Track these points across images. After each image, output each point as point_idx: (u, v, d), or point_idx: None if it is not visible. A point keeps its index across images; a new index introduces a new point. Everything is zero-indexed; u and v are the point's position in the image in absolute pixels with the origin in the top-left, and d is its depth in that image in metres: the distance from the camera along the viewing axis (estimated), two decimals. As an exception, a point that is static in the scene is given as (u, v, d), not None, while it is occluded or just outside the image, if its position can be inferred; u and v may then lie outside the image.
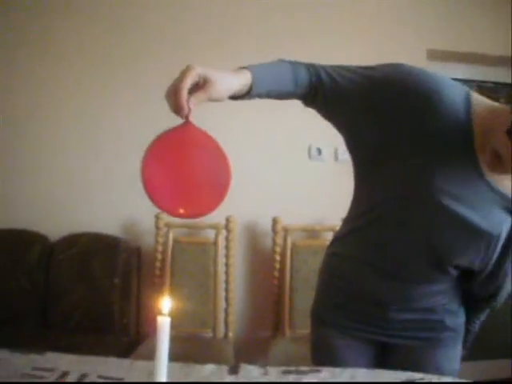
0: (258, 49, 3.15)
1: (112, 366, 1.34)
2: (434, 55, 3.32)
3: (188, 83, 1.06)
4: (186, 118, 1.08)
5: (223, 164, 1.11)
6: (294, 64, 1.32)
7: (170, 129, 1.10)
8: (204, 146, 1.11)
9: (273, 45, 3.15)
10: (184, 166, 1.09)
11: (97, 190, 3.22)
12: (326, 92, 1.32)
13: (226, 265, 3.09)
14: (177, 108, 1.07)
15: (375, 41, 3.22)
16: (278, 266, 3.10)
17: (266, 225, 3.14)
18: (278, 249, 3.09)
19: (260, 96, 1.25)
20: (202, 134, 1.11)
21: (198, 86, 1.09)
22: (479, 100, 1.27)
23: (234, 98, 1.20)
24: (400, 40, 3.22)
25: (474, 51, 3.33)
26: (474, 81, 3.51)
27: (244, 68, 1.20)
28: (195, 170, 1.10)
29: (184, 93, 1.05)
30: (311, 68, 1.32)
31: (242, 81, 1.18)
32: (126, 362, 1.42)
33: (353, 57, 2.82)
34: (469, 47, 3.27)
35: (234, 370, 1.35)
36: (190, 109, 1.07)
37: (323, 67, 1.33)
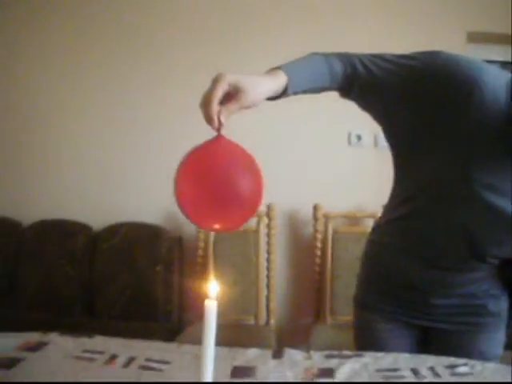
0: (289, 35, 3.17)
1: (159, 349, 1.37)
2: (475, 37, 3.25)
3: (218, 94, 1.02)
4: (218, 131, 1.04)
5: (256, 177, 1.07)
6: (328, 57, 1.28)
7: (201, 143, 1.06)
8: (236, 160, 1.07)
9: (306, 31, 3.17)
10: (216, 181, 1.05)
11: (138, 181, 3.27)
12: (363, 83, 1.29)
13: (268, 252, 3.11)
14: (208, 120, 1.04)
15: (414, 24, 3.17)
16: (319, 252, 3.10)
17: (307, 212, 3.14)
18: (319, 236, 3.10)
19: (295, 94, 1.21)
20: (234, 148, 1.07)
21: (230, 95, 1.06)
22: None
23: (268, 99, 1.16)
24: (439, 23, 3.15)
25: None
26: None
27: (277, 68, 1.16)
28: (227, 184, 1.05)
29: (214, 105, 1.02)
30: (345, 59, 1.29)
31: (277, 83, 1.14)
32: (172, 345, 1.45)
33: (392, 41, 2.82)
34: (510, 28, 3.19)
35: (277, 354, 1.37)
36: (221, 122, 1.03)
37: (358, 57, 1.29)
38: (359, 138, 3.20)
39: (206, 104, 1.03)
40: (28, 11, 3.32)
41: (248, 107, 1.09)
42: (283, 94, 1.17)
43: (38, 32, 3.33)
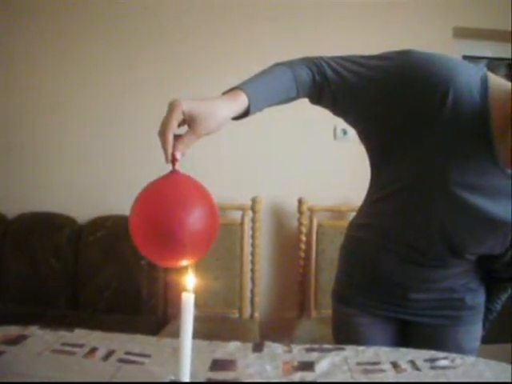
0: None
1: (139, 343, 1.37)
2: (461, 33, 3.26)
3: (173, 126, 1.00)
4: (173, 163, 1.01)
5: (208, 213, 1.02)
6: (293, 66, 1.25)
7: (155, 180, 1.02)
8: (188, 195, 1.01)
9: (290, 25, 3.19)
10: (171, 218, 0.97)
11: (124, 174, 3.26)
12: (334, 89, 1.27)
13: (252, 245, 3.11)
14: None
15: (400, 20, 3.17)
16: (303, 246, 3.11)
17: (292, 205, 3.15)
18: (303, 229, 3.10)
19: (260, 111, 1.18)
20: (188, 182, 1.03)
21: (186, 122, 1.04)
22: (497, 83, 1.21)
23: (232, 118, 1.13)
24: (425, 18, 3.16)
25: (503, 28, 3.25)
26: (503, 59, 3.44)
27: (238, 88, 1.13)
28: (183, 220, 0.97)
29: (168, 138, 1.00)
30: (313, 66, 1.26)
31: (236, 108, 1.10)
32: (152, 339, 1.44)
33: (377, 37, 2.82)
34: (497, 24, 3.20)
35: (258, 348, 1.37)
36: (175, 158, 1.01)
37: (327, 62, 1.27)
38: (345, 132, 3.20)
39: (161, 135, 1.00)
40: (26, 12, 3.30)
41: (206, 135, 1.05)
42: (246, 113, 1.14)
43: (37, 33, 3.30)
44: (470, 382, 1.16)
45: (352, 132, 3.13)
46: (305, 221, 3.10)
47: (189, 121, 1.03)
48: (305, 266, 3.12)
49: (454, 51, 3.13)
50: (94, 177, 3.30)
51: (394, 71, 1.23)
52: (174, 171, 1.02)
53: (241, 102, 1.11)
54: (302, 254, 3.11)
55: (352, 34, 3.09)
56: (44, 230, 3.21)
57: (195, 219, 0.98)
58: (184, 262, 1.02)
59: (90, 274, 3.12)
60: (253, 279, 3.11)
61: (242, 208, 3.07)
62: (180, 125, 1.03)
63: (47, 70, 3.30)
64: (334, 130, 3.24)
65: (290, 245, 3.23)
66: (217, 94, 1.12)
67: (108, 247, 3.13)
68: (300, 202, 3.09)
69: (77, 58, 3.28)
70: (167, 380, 1.04)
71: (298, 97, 1.27)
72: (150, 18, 3.26)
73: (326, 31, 3.16)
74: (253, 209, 3.08)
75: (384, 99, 1.25)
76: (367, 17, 3.20)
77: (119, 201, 3.21)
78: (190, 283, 0.98)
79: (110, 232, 3.15)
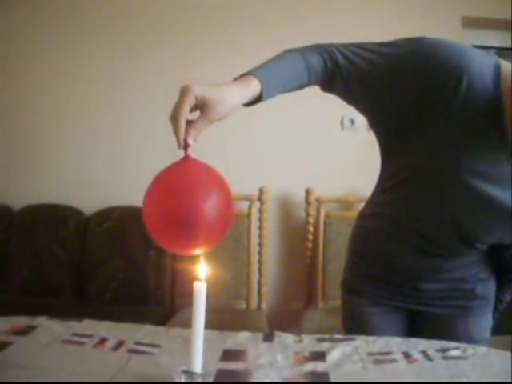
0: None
1: (148, 333, 1.36)
2: (469, 23, 3.23)
3: (185, 111, 0.99)
4: (185, 149, 1.00)
5: (222, 198, 1.01)
6: (304, 53, 1.24)
7: (167, 166, 1.02)
8: (203, 180, 1.01)
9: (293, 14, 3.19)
10: (184, 204, 0.97)
11: (130, 165, 3.25)
12: (345, 76, 1.25)
13: (260, 236, 3.11)
14: (176, 138, 1.00)
15: (409, 9, 3.15)
16: (311, 237, 3.10)
17: (299, 196, 3.13)
18: (311, 220, 3.09)
19: (272, 97, 1.17)
20: (202, 168, 1.02)
21: (198, 107, 1.03)
22: (510, 70, 1.19)
23: (243, 105, 1.12)
24: (434, 8, 3.14)
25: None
26: (511, 49, 3.41)
27: (249, 74, 1.11)
28: (200, 206, 0.97)
29: (180, 123, 0.98)
30: (325, 53, 1.25)
31: (248, 94, 1.09)
32: (161, 329, 1.44)
33: (386, 26, 2.79)
34: (505, 13, 3.17)
35: (268, 338, 1.36)
36: (188, 143, 1.00)
37: (339, 49, 1.25)
38: (352, 122, 3.19)
39: (173, 120, 0.99)
40: (25, 10, 3.28)
41: (218, 120, 1.05)
42: (258, 99, 1.13)
43: (37, 29, 3.29)
44: (482, 383, 1.14)
45: (359, 122, 3.15)
46: (312, 211, 3.09)
47: (201, 106, 1.02)
48: (312, 256, 3.11)
49: (463, 41, 3.10)
50: (100, 168, 3.30)
51: (406, 58, 1.22)
52: (186, 157, 1.01)
53: (252, 87, 1.10)
54: (310, 245, 3.11)
55: (359, 23, 3.07)
56: (50, 222, 3.21)
57: (211, 205, 0.97)
58: (198, 251, 1.01)
59: (96, 264, 3.12)
60: (260, 270, 3.10)
61: (249, 198, 3.06)
62: (191, 110, 1.02)
63: (48, 58, 3.29)
64: (342, 120, 3.23)
65: (297, 235, 3.22)
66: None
67: (114, 238, 3.12)
68: (307, 192, 3.08)
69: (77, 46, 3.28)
70: (179, 370, 1.02)
71: (309, 84, 1.26)
72: (149, 7, 3.24)
73: (333, 20, 3.13)
74: (260, 199, 3.07)
75: (395, 86, 1.23)
76: (374, 6, 3.17)
77: (125, 192, 3.22)
78: (202, 272, 0.97)
79: (116, 223, 3.15)
